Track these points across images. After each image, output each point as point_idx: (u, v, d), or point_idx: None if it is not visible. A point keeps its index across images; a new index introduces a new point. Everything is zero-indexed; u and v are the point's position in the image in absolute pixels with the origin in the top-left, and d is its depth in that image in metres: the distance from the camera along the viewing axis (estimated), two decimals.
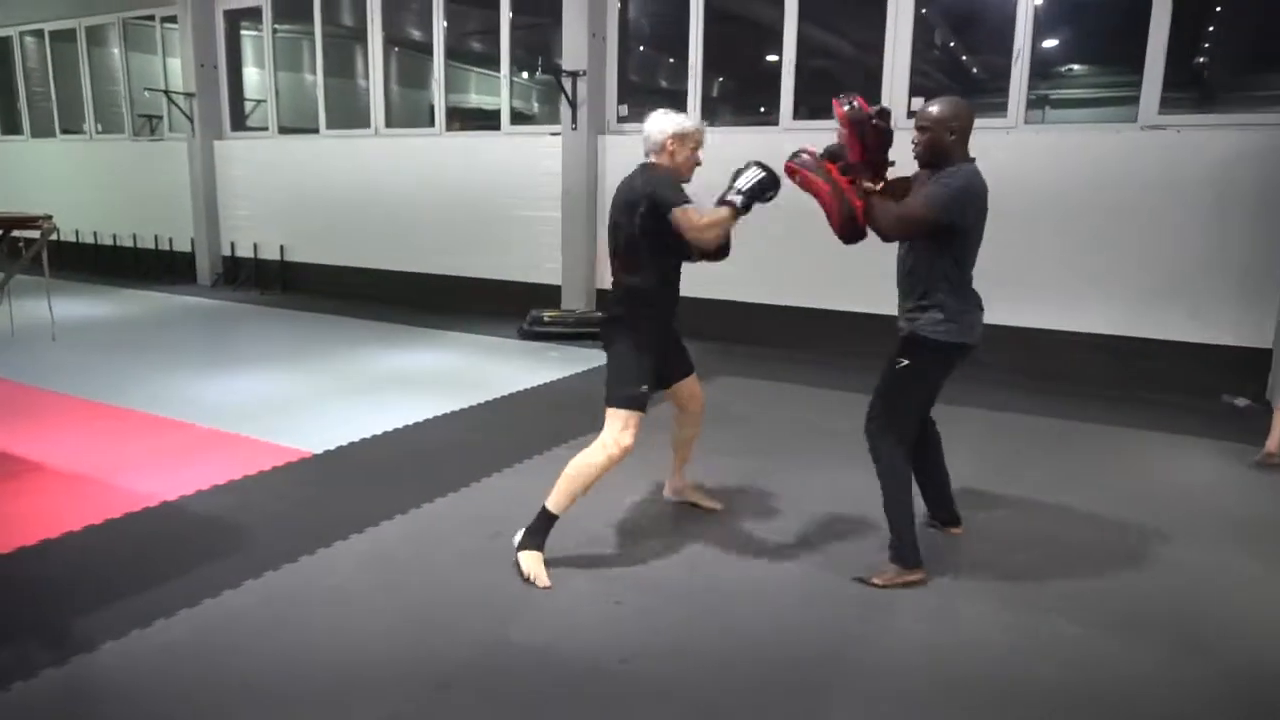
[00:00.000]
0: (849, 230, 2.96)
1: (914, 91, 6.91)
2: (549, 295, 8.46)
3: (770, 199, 3.03)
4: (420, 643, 2.66)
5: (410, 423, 4.96)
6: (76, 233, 12.20)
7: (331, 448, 4.48)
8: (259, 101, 10.88)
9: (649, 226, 3.06)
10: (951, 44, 7.80)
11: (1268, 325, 5.47)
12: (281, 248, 10.56)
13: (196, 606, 2.82)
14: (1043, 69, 6.80)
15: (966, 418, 5.29)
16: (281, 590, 2.96)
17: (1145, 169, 6.09)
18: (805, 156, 3.00)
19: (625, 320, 3.23)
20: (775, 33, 7.38)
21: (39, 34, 12.41)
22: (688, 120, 3.20)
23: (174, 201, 11.13)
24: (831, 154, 3.02)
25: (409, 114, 10.13)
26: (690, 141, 3.19)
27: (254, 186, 10.71)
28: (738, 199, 2.96)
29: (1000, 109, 6.65)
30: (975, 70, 7.74)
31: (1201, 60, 6.77)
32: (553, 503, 3.14)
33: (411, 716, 2.31)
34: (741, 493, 3.98)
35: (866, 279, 7.31)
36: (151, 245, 11.72)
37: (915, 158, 3.07)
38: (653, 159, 3.22)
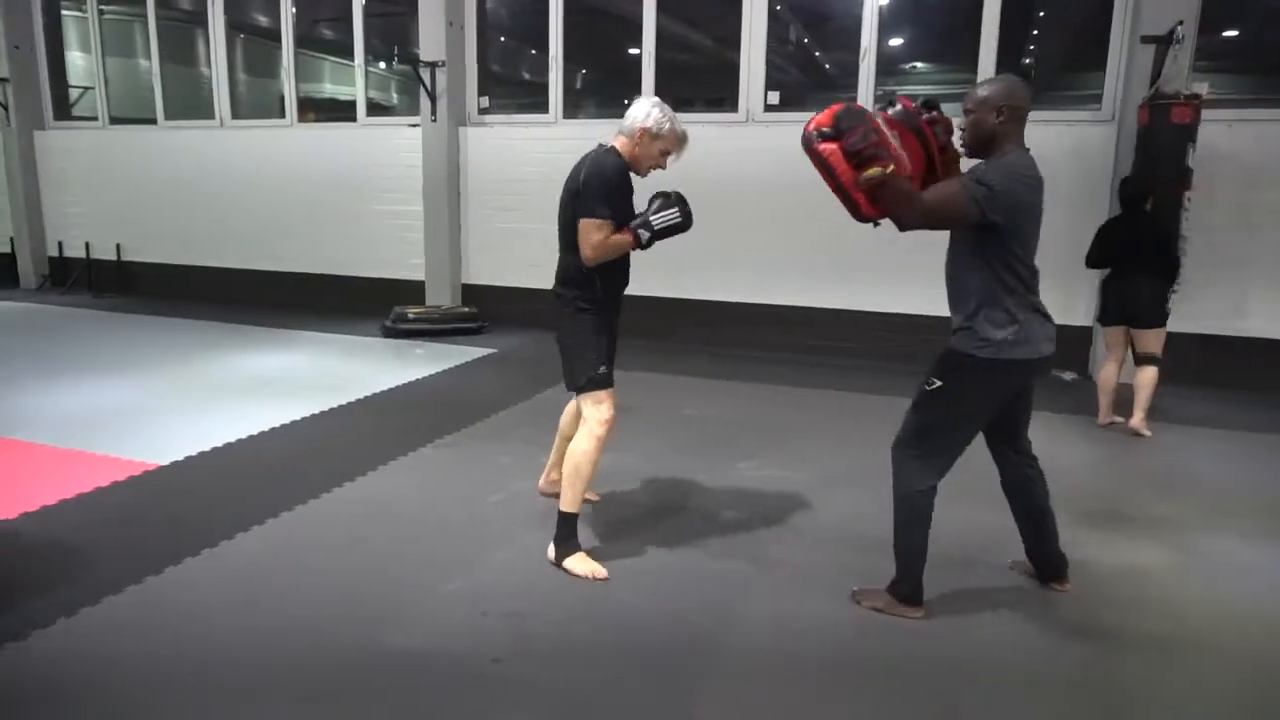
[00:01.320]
0: (858, 217, 2.67)
1: (770, 86, 7.12)
2: (413, 291, 8.24)
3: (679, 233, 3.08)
4: (284, 657, 2.53)
5: (267, 428, 4.72)
6: None
7: (180, 459, 4.20)
8: (86, 89, 10.05)
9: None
10: (805, 40, 8.08)
11: (1087, 305, 5.95)
12: (118, 246, 9.82)
13: (24, 640, 2.58)
14: (889, 66, 7.14)
15: (838, 400, 5.51)
16: (127, 615, 2.75)
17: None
18: (809, 134, 2.61)
19: (572, 301, 3.17)
20: (636, 26, 7.43)
21: None
22: (669, 120, 3.09)
23: None
24: (840, 130, 2.57)
25: (258, 104, 9.60)
26: (662, 143, 3.10)
27: (84, 181, 9.90)
28: (644, 234, 3.00)
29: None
30: (828, 66, 8.04)
31: (1028, 61, 7.28)
32: (566, 504, 3.12)
33: None
34: (630, 486, 4.00)
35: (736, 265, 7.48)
36: None
37: (962, 145, 2.80)
38: (618, 141, 3.13)
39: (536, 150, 7.81)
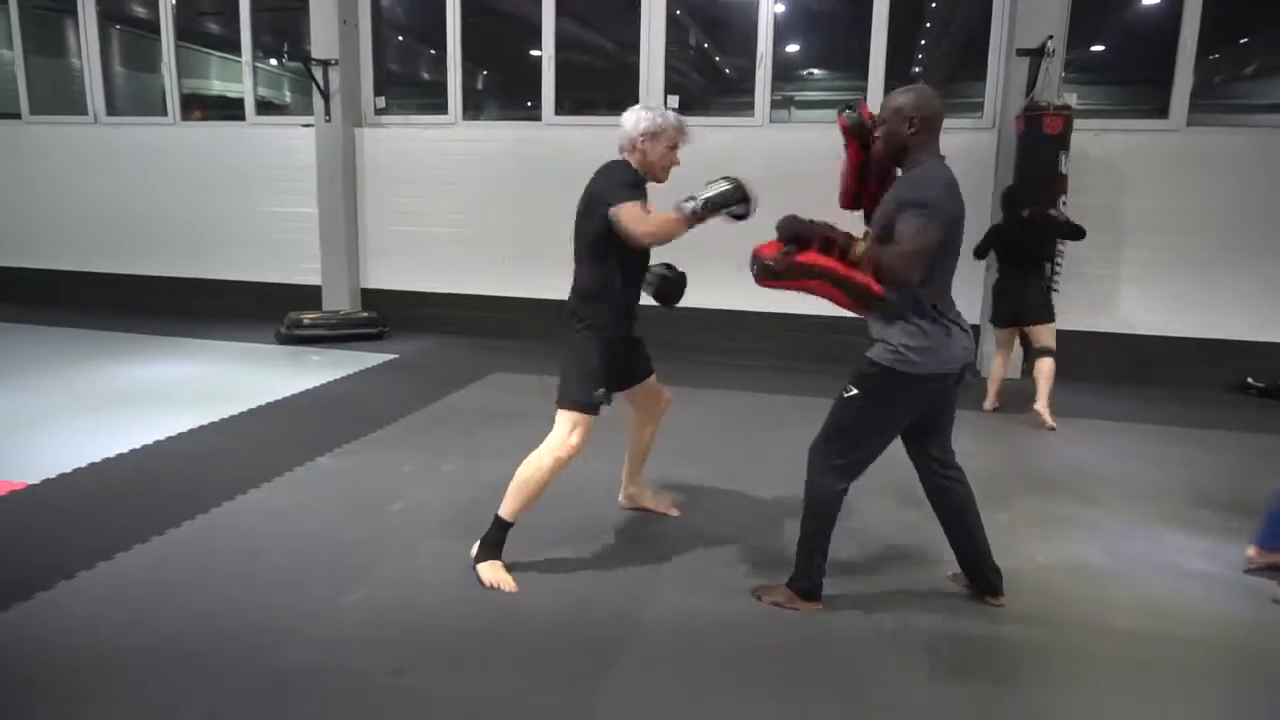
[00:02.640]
0: (870, 305, 2.60)
1: (670, 89, 7.20)
2: (309, 296, 7.98)
3: (741, 216, 2.87)
4: (171, 681, 2.41)
5: (152, 441, 4.48)
6: None
7: (53, 476, 3.95)
8: None
9: (599, 227, 2.91)
10: (705, 45, 8.20)
11: (973, 304, 6.24)
12: None
13: None
14: (786, 72, 7.32)
15: (723, 400, 5.60)
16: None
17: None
18: (770, 264, 2.51)
19: (585, 319, 3.04)
20: (536, 27, 7.39)
21: None
22: (660, 116, 3.00)
23: None
24: (796, 236, 2.52)
25: (138, 101, 9.11)
26: (665, 140, 3.00)
27: None
28: (689, 205, 2.77)
29: (750, 108, 7.09)
30: (728, 71, 8.18)
31: (917, 70, 7.58)
32: (505, 510, 3.03)
33: None
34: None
35: None
36: None
37: (874, 154, 2.78)
38: (625, 156, 3.05)
39: (436, 152, 7.68)
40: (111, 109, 8.71)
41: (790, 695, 2.42)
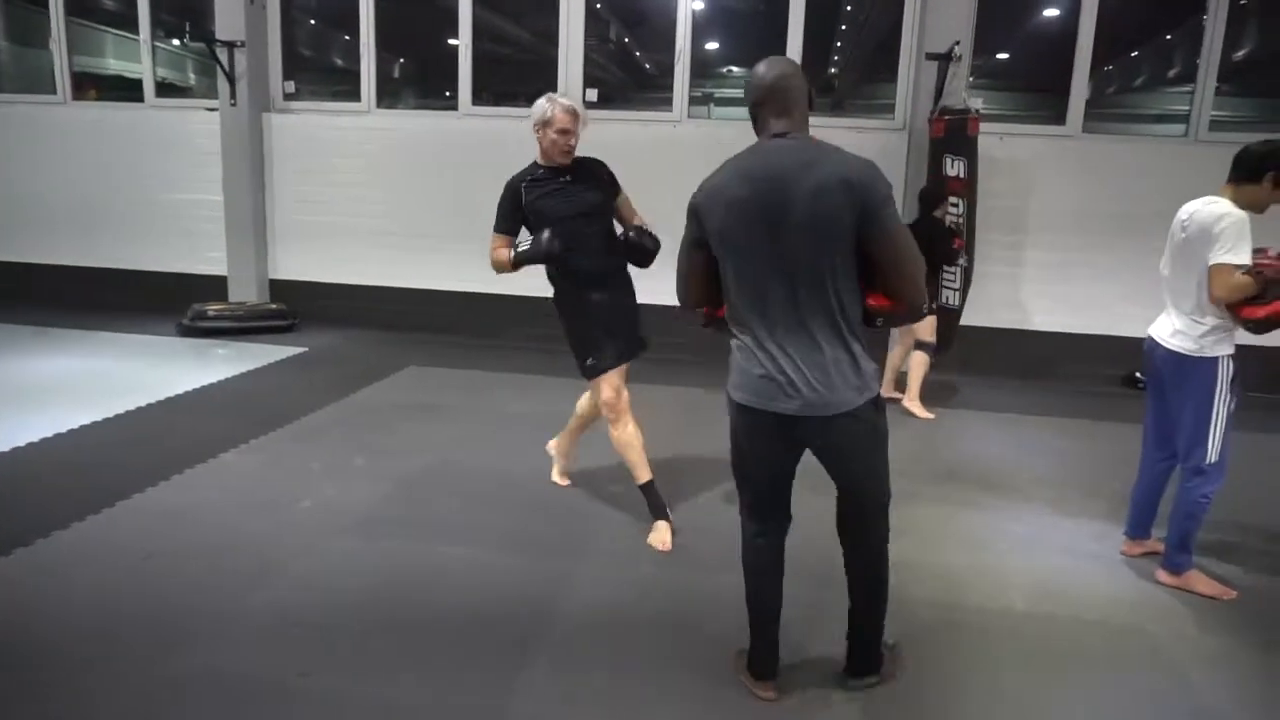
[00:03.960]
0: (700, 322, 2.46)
1: (588, 83, 7.17)
2: (214, 287, 7.66)
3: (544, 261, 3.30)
4: (63, 688, 2.28)
5: (45, 437, 4.24)
6: None
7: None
8: None
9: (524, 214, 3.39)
10: (626, 39, 8.19)
11: None
12: None
13: None
14: (705, 69, 7.37)
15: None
16: None
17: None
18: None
19: (555, 294, 3.48)
20: (454, 15, 7.26)
21: None
22: (547, 104, 3.26)
23: None
24: None
25: (23, 78, 8.57)
26: (554, 126, 3.26)
27: None
28: (510, 254, 3.32)
29: (669, 104, 7.12)
30: (648, 66, 8.20)
31: (834, 71, 7.74)
32: (638, 476, 3.44)
33: None
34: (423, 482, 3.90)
35: None
36: None
37: None
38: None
39: (348, 140, 7.47)
40: None
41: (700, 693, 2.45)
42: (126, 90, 8.15)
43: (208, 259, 7.72)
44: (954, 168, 5.87)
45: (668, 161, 6.90)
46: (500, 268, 3.37)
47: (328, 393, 5.33)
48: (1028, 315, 6.82)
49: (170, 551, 3.13)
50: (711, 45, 7.40)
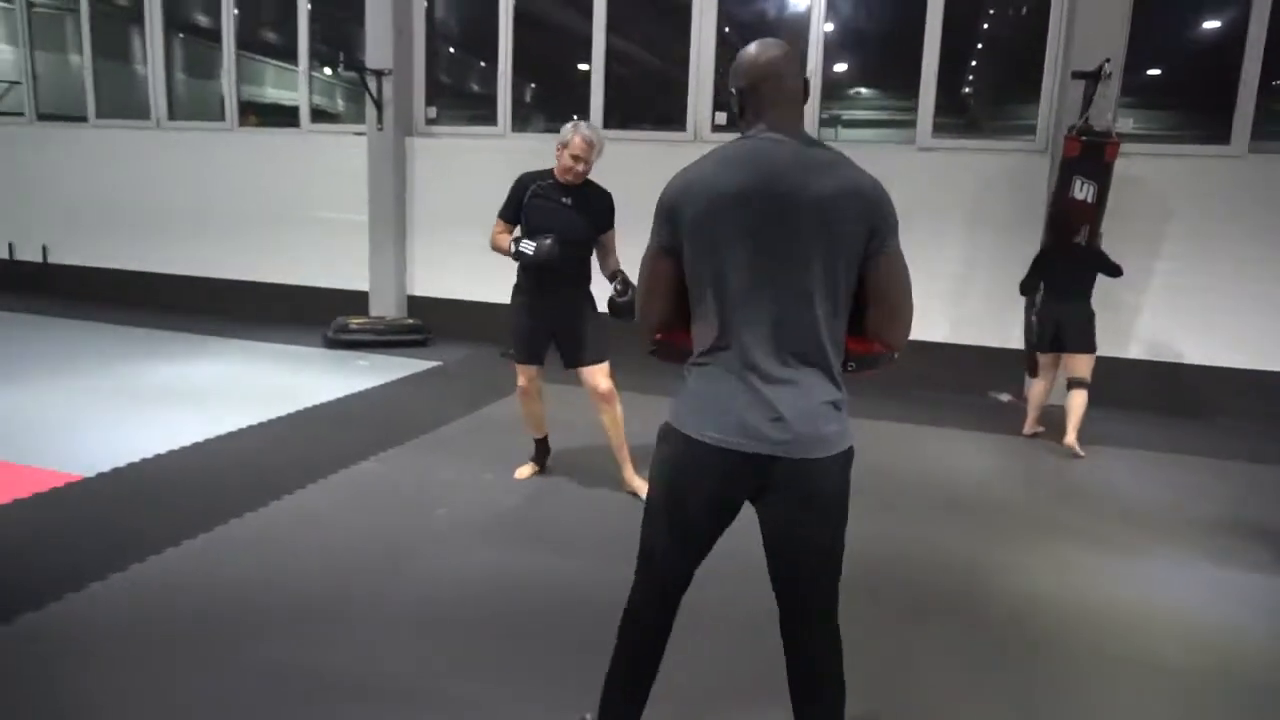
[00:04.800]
0: (650, 350, 2.08)
1: (718, 107, 7.22)
2: (356, 302, 8.09)
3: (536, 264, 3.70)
4: (213, 679, 2.45)
5: (201, 439, 4.58)
6: None
7: (107, 470, 4.05)
8: (12, 83, 9.67)
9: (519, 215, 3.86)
10: None
11: (1020, 329, 6.15)
12: (44, 248, 9.44)
13: None
14: (834, 91, 7.30)
15: None
16: (49, 632, 2.64)
17: (919, 187, 6.69)
18: None
19: (515, 284, 3.98)
20: (586, 41, 7.46)
21: None
22: (570, 130, 3.68)
23: None
24: None
25: (197, 106, 9.36)
26: (567, 151, 3.69)
27: (7, 178, 9.51)
28: (512, 248, 3.75)
29: None
30: None
31: (967, 91, 7.51)
32: (535, 431, 4.27)
33: None
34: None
35: None
36: None
37: None
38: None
39: (484, 162, 7.75)
40: (172, 114, 8.94)
41: None
42: (282, 116, 8.77)
43: (352, 275, 8.17)
44: (1083, 191, 5.58)
45: None
46: (499, 251, 3.83)
47: (460, 406, 5.53)
48: (1176, 348, 6.38)
49: (313, 552, 3.31)
50: (840, 66, 7.32)
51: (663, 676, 1.99)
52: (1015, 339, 6.48)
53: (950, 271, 6.71)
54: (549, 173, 3.79)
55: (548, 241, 3.64)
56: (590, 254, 3.91)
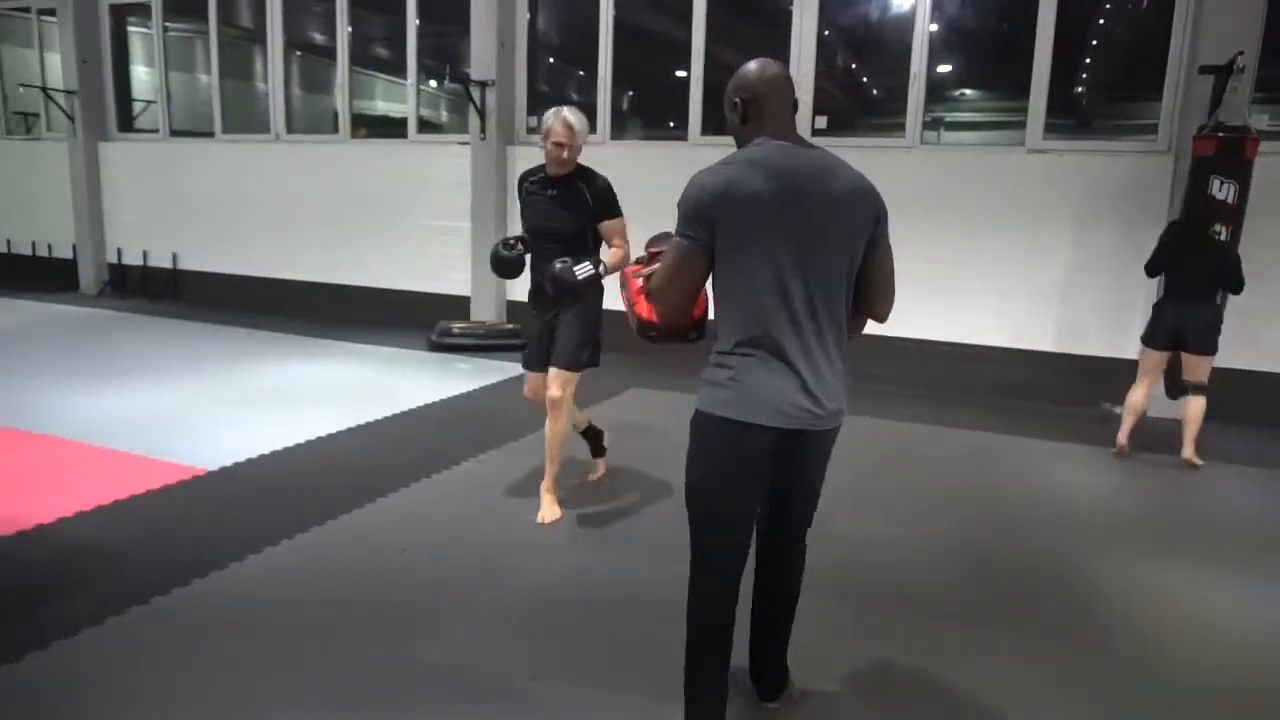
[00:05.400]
0: (648, 334, 2.26)
1: (817, 110, 7.12)
2: (458, 307, 8.34)
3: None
4: (317, 664, 2.56)
5: (313, 437, 4.79)
6: None
7: (226, 464, 4.29)
8: (149, 103, 10.37)
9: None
10: (853, 65, 8.07)
11: (1137, 337, 5.84)
12: (174, 255, 10.08)
13: (74, 636, 2.65)
14: (938, 92, 7.11)
15: (853, 425, 5.46)
16: (173, 614, 2.81)
17: (1030, 190, 6.44)
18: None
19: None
20: (684, 49, 7.49)
21: None
22: (552, 117, 3.57)
23: (53, 205, 10.50)
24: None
25: (311, 120, 9.84)
26: (549, 139, 3.57)
27: (144, 191, 10.20)
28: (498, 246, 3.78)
29: (899, 129, 6.92)
30: (875, 92, 8.02)
31: (1080, 90, 7.19)
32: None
33: None
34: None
35: None
36: (28, 251, 11.01)
37: None
38: None
39: None
40: (290, 127, 9.42)
41: None
42: (389, 128, 9.12)
43: (455, 280, 8.42)
44: (1223, 191, 5.24)
45: (903, 188, 6.68)
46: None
47: None
48: None
49: (416, 547, 3.42)
50: (944, 68, 7.12)
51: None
52: (1131, 349, 6.17)
53: (1061, 278, 6.43)
54: (542, 165, 3.70)
55: (499, 247, 3.73)
56: (586, 247, 3.62)
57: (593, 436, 4.27)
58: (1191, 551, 3.71)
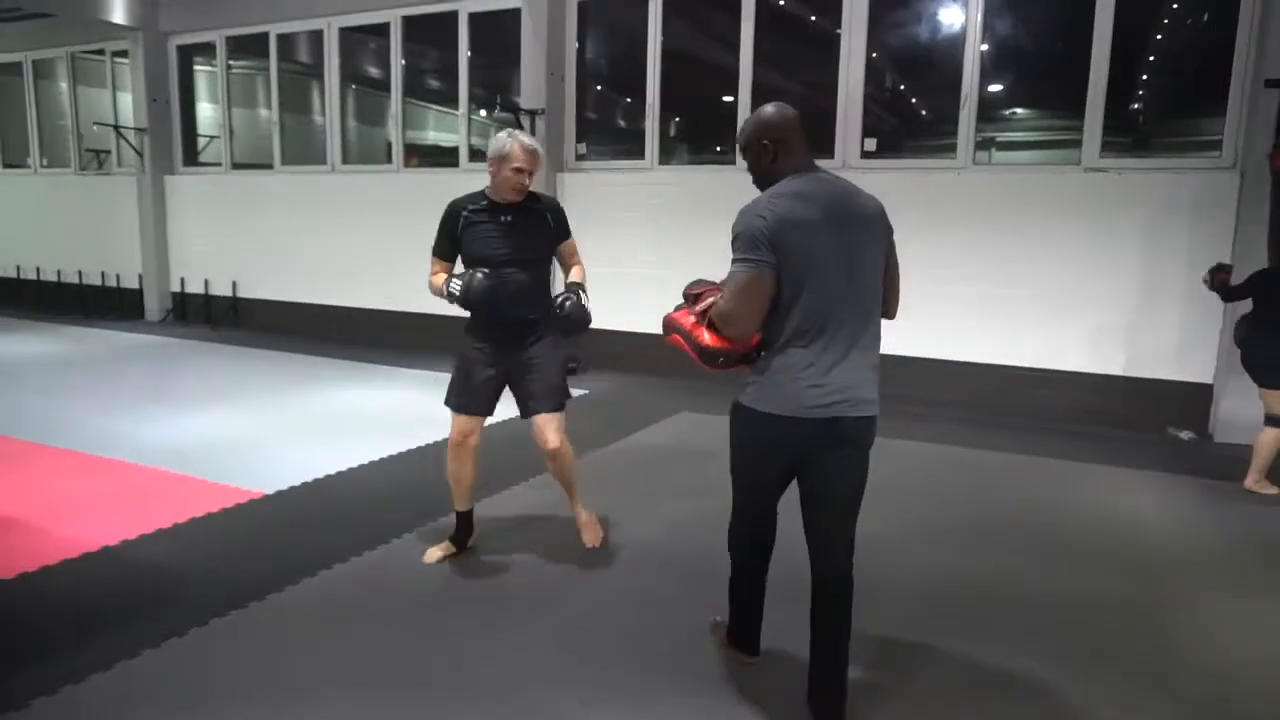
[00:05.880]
0: (717, 361, 2.44)
1: (866, 132, 7.08)
2: None
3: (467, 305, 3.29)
4: (377, 688, 2.57)
5: (368, 461, 4.86)
6: (18, 268, 11.88)
7: (284, 488, 4.36)
8: (213, 137, 10.74)
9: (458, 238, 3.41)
10: (902, 86, 8.01)
11: (1206, 361, 5.64)
12: (234, 283, 10.38)
13: (135, 659, 2.70)
14: (988, 111, 7.02)
15: (917, 452, 5.36)
16: (233, 635, 2.85)
17: (1087, 210, 6.29)
18: (665, 318, 2.60)
19: (468, 321, 3.47)
20: (731, 75, 7.52)
21: None
22: (508, 142, 3.26)
23: (121, 237, 10.91)
24: (686, 296, 2.61)
25: (366, 151, 10.08)
26: (508, 164, 3.26)
27: (206, 221, 10.55)
28: (453, 289, 3.26)
29: (948, 150, 6.84)
30: (924, 112, 7.95)
31: (1137, 107, 7.04)
32: (456, 503, 3.63)
33: None
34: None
35: None
36: (98, 281, 11.44)
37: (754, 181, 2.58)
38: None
39: (631, 196, 7.93)
40: (345, 158, 9.66)
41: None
42: (439, 157, 9.29)
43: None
44: None
45: (956, 210, 6.63)
46: (437, 294, 3.36)
47: (608, 433, 5.62)
48: None
49: (471, 571, 3.43)
50: (995, 86, 7.03)
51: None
52: (1198, 372, 5.98)
53: (1122, 300, 6.25)
54: (481, 194, 3.38)
55: (479, 276, 3.20)
56: (548, 273, 3.50)
57: (468, 522, 3.67)
58: (1270, 585, 3.54)
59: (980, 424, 6.12)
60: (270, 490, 4.32)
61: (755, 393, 2.38)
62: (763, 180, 2.46)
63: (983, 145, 7.00)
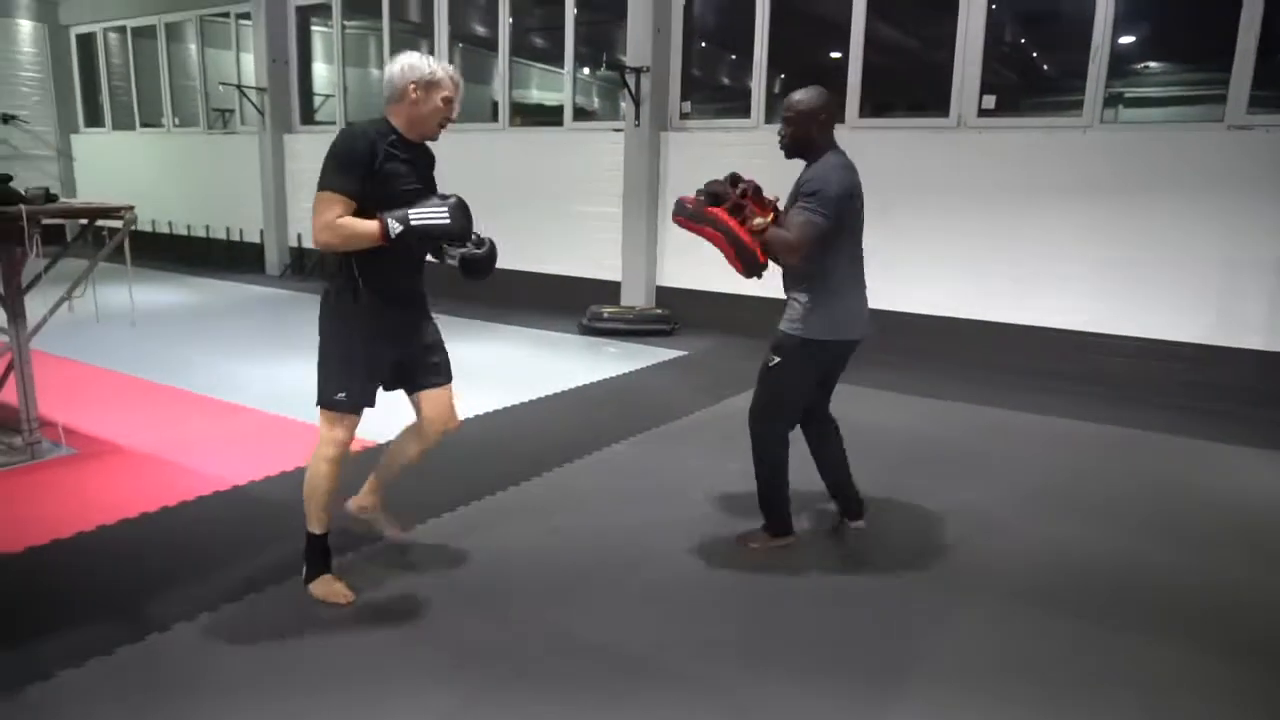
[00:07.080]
0: (752, 270, 3.05)
1: (984, 90, 6.75)
2: (609, 291, 8.48)
3: (454, 248, 2.85)
4: (481, 638, 2.68)
5: (472, 415, 5.01)
6: (153, 223, 12.62)
7: (393, 438, 4.53)
8: (328, 96, 11.10)
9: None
10: (1023, 41, 7.59)
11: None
12: None
13: (261, 592, 2.89)
14: (1118, 66, 6.57)
15: (1039, 426, 5.17)
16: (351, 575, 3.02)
17: (1232, 170, 5.85)
18: (687, 206, 3.06)
19: (331, 298, 2.76)
20: (842, 29, 7.26)
21: (121, 30, 12.89)
22: (434, 66, 2.69)
23: (245, 193, 11.45)
24: (714, 195, 3.07)
25: (472, 109, 10.22)
26: (438, 92, 2.70)
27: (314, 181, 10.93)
28: (395, 226, 2.54)
29: (1072, 107, 6.46)
30: (1046, 68, 7.53)
31: None
32: (310, 525, 2.85)
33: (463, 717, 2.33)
34: None
35: None
36: (223, 236, 12.08)
37: (782, 148, 3.15)
38: (390, 111, 2.74)
39: (736, 154, 7.77)
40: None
41: None
42: (542, 115, 9.35)
43: (606, 265, 8.57)
44: None
45: (1079, 172, 6.27)
46: (360, 238, 2.58)
47: (703, 396, 5.63)
48: None
49: (571, 528, 3.52)
50: (1127, 39, 6.56)
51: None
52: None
53: (1270, 269, 5.79)
54: (387, 126, 2.73)
55: (453, 200, 2.69)
56: None
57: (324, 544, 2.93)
58: None
59: (1100, 398, 5.82)
60: (382, 440, 4.50)
61: (818, 324, 3.06)
62: (801, 148, 3.06)
63: (1110, 102, 6.58)
